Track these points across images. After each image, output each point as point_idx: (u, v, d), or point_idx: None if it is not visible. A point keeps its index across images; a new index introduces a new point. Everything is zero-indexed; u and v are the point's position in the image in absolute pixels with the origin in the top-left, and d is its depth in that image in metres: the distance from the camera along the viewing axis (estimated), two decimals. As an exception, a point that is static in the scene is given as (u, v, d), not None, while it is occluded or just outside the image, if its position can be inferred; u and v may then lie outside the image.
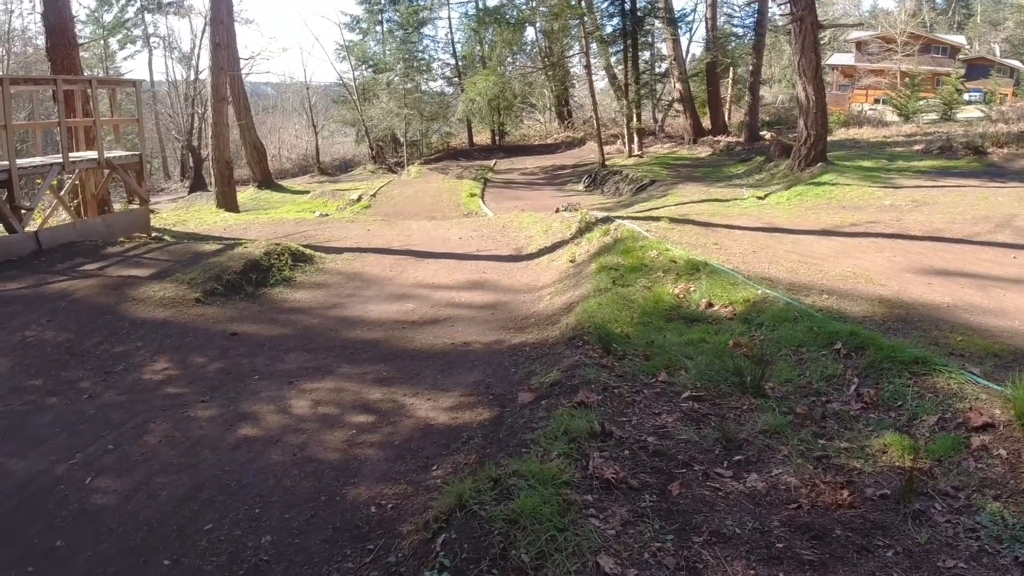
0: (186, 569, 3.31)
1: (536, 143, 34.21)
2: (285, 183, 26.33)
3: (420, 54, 34.40)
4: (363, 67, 36.08)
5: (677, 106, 29.29)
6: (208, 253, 9.43)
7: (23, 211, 11.07)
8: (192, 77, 35.50)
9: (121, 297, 7.67)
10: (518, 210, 15.45)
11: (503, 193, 20.92)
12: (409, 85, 31.99)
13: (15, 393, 5.43)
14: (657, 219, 10.51)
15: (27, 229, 10.67)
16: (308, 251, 9.90)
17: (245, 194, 21.49)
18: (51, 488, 4.11)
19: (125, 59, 40.50)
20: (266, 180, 25.16)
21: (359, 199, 19.62)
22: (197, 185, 28.31)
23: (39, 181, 12.92)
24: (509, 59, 33.63)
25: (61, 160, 12.16)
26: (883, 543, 2.95)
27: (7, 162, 11.09)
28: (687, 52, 31.51)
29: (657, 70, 29.64)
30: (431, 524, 3.17)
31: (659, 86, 29.47)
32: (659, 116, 30.28)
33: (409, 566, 3.06)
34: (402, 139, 31.16)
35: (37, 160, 12.90)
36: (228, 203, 17.96)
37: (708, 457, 3.68)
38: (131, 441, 4.56)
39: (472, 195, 19.34)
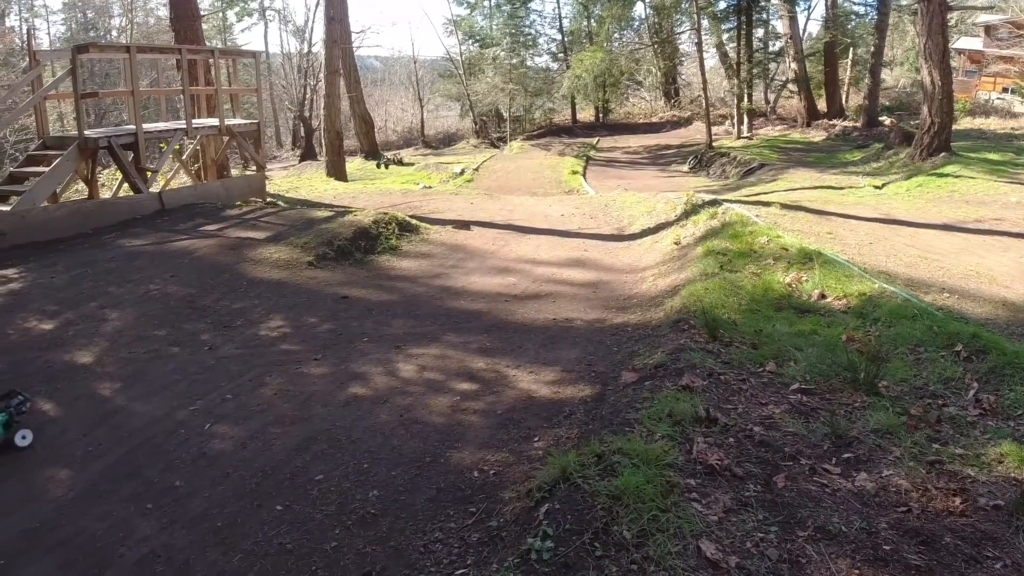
0: (297, 515, 3.48)
1: (640, 121, 33.64)
2: (390, 155, 26.91)
3: (527, 29, 34.31)
4: (469, 41, 36.29)
5: (791, 87, 28.15)
6: (320, 219, 9.79)
7: (148, 173, 11.76)
8: (305, 50, 36.57)
9: (239, 257, 8.06)
10: (620, 189, 15.29)
11: (605, 172, 20.72)
12: (514, 60, 31.99)
13: (140, 342, 5.81)
14: (767, 204, 10.19)
15: (151, 190, 11.33)
16: (414, 221, 10.12)
17: (352, 164, 22.08)
18: (172, 431, 4.40)
19: (242, 31, 42.22)
20: (373, 151, 25.77)
21: (462, 172, 19.84)
22: (307, 154, 29.26)
23: (163, 145, 13.71)
24: (617, 35, 33.09)
25: (185, 126, 12.83)
26: (993, 555, 2.82)
27: (134, 126, 11.80)
28: (804, 30, 30.16)
29: (771, 49, 28.53)
30: (534, 493, 3.23)
31: (772, 66, 28.37)
32: (771, 97, 29.18)
33: (511, 531, 3.12)
34: (505, 114, 31.26)
35: (162, 125, 13.66)
36: (337, 172, 18.52)
37: (816, 452, 3.58)
38: (248, 392, 4.81)
39: (574, 172, 19.24)
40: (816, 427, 3.80)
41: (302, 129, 32.41)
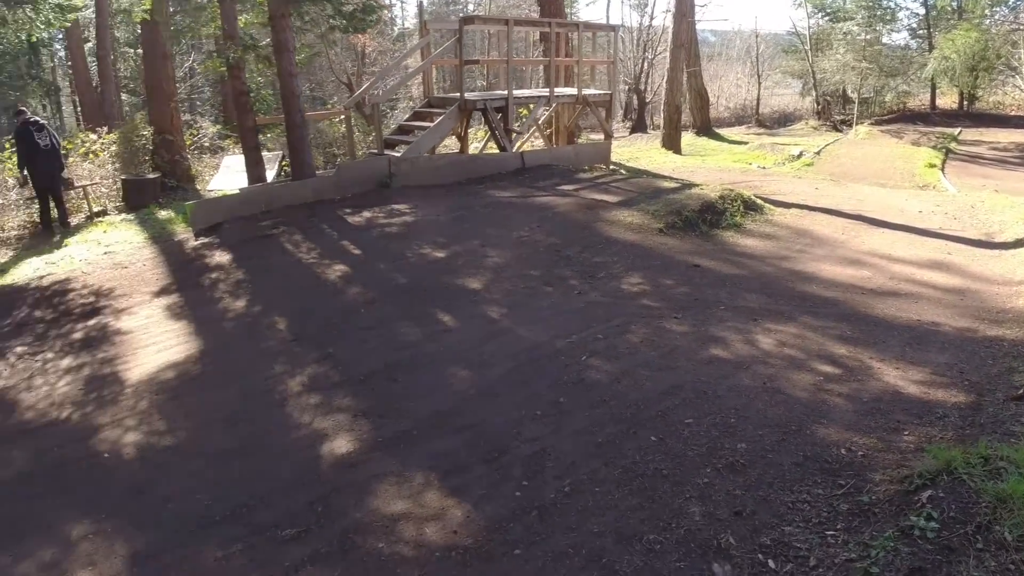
0: (670, 449, 3.89)
1: (1012, 114, 29.26)
2: (722, 131, 26.53)
3: (885, 1, 31.26)
4: (819, 15, 34.03)
5: None
6: (667, 190, 10.18)
7: (513, 134, 13.04)
8: (646, 23, 37.08)
9: (594, 216, 8.72)
10: (988, 190, 13.65)
11: (967, 168, 18.51)
12: (869, 36, 29.40)
13: (518, 278, 6.65)
14: None
15: (513, 150, 12.56)
16: (758, 201, 10.07)
17: (684, 139, 22.21)
18: (553, 356, 5.06)
19: (587, 5, 43.69)
20: (705, 127, 25.64)
21: (799, 156, 19.01)
22: (638, 127, 29.88)
23: (522, 110, 15.03)
24: (988, 12, 28.84)
25: (547, 93, 13.95)
26: None
27: (505, 91, 13.11)
28: None
29: None
30: (913, 479, 3.29)
31: None
32: None
33: (883, 509, 3.22)
34: (853, 95, 29.06)
35: (528, 92, 14.96)
36: (673, 145, 18.83)
37: None
38: (615, 336, 5.35)
39: (931, 166, 17.47)
40: None
41: (635, 101, 33.10)
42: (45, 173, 10.59)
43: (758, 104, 33.98)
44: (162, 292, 6.76)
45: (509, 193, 10.13)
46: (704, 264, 7.17)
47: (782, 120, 32.37)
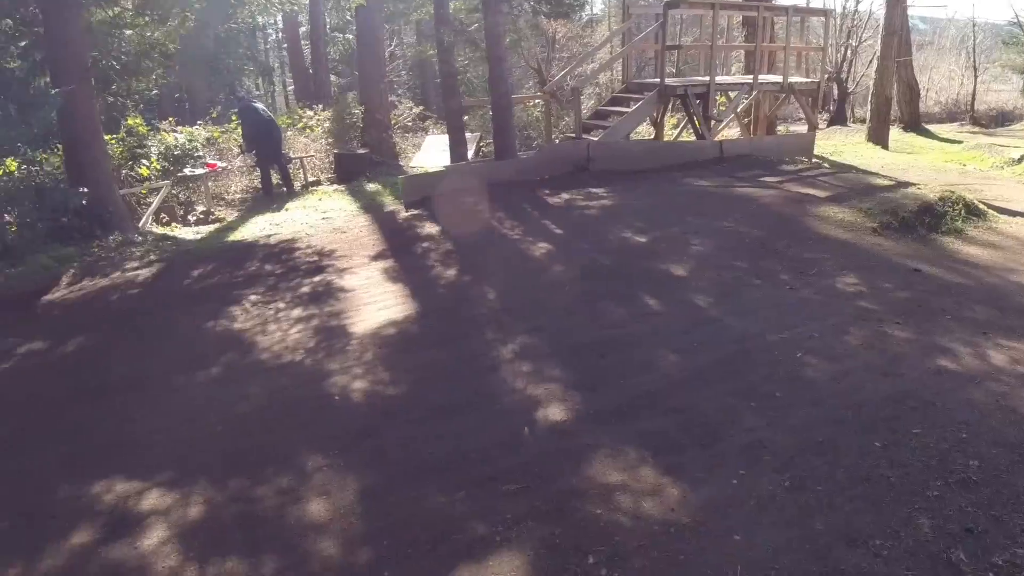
0: (896, 457, 3.67)
1: None
2: (931, 128, 24.41)
3: None
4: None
5: None
6: (879, 187, 9.54)
7: (712, 122, 12.71)
8: (851, 8, 34.69)
9: (801, 211, 8.34)
10: None
11: None
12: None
13: (724, 268, 6.49)
14: None
15: (712, 139, 12.24)
16: (981, 206, 9.20)
17: (891, 134, 20.66)
18: (765, 349, 4.90)
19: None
20: (913, 122, 23.69)
21: (1021, 159, 17.11)
22: (837, 118, 28.08)
23: (721, 97, 14.57)
24: None
25: (750, 80, 13.45)
26: None
27: (707, 77, 12.78)
28: None
29: None
30: None
31: None
32: None
33: None
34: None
35: (730, 78, 14.50)
36: (880, 140, 17.57)
37: None
38: (831, 335, 5.10)
39: None
40: None
41: (835, 91, 31.16)
42: (269, 145, 11.63)
43: (973, 100, 30.89)
44: (378, 256, 7.23)
45: (708, 182, 9.91)
46: (925, 269, 6.66)
47: (1000, 119, 29.22)
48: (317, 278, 6.75)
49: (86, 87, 9.19)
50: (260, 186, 12.44)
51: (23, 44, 9.61)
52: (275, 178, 12.07)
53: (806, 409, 4.19)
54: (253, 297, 6.39)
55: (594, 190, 9.43)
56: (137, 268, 7.56)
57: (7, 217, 8.79)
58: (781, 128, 18.24)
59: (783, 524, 3.25)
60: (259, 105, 11.92)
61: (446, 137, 15.46)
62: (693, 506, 3.37)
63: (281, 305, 6.14)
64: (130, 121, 11.85)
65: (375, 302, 5.99)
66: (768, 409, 4.19)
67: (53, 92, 8.27)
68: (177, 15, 11.49)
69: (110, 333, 5.97)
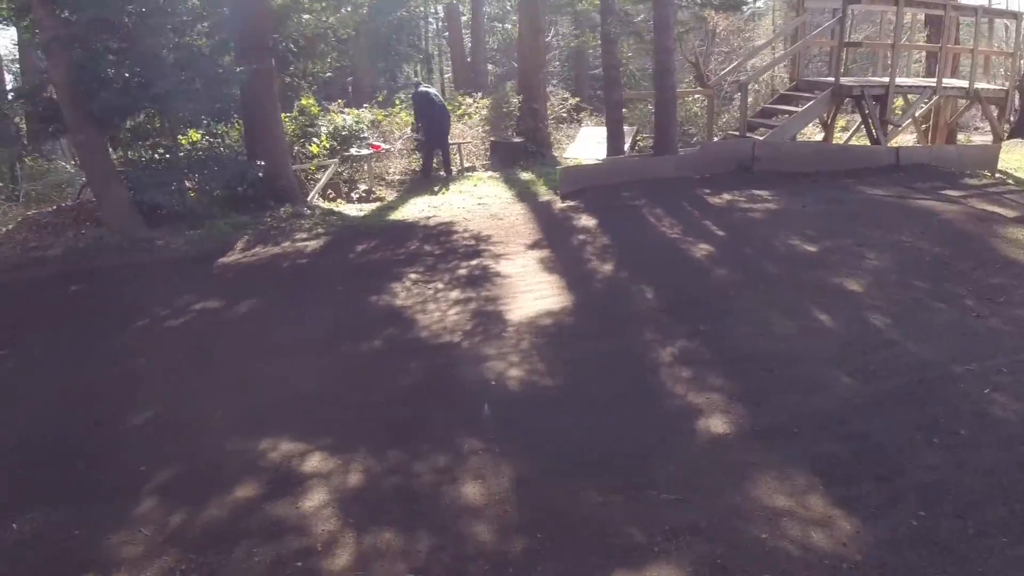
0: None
1: None
2: None
3: None
4: None
5: None
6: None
7: (889, 126, 11.85)
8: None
9: (988, 230, 7.62)
10: None
11: None
12: None
13: (903, 287, 6.01)
14: None
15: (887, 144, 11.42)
16: None
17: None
18: (948, 381, 4.48)
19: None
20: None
21: None
22: (1018, 130, 25.60)
23: (898, 101, 13.57)
24: None
25: (934, 84, 12.46)
26: None
27: (885, 78, 11.92)
28: None
29: None
30: None
31: None
32: None
33: None
34: None
35: (911, 80, 13.50)
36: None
37: None
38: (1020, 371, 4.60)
39: None
40: None
41: (1017, 100, 28.37)
42: (437, 130, 11.97)
43: None
44: (534, 245, 7.23)
45: (883, 191, 9.26)
46: None
47: None
48: (474, 262, 6.83)
49: (268, 67, 9.76)
50: (419, 169, 12.81)
51: (210, 23, 10.31)
52: (434, 162, 12.43)
53: (993, 451, 3.79)
54: (413, 275, 6.55)
55: (758, 192, 9.03)
56: (306, 239, 7.95)
57: (188, 184, 9.49)
58: (961, 137, 16.78)
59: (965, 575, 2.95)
60: (433, 91, 12.37)
61: (601, 129, 15.32)
62: (867, 544, 3.11)
63: (440, 286, 6.26)
64: (303, 101, 12.50)
65: (531, 291, 5.99)
66: (951, 447, 3.82)
67: (238, 70, 8.82)
68: (351, 1, 12.03)
69: (279, 298, 6.31)
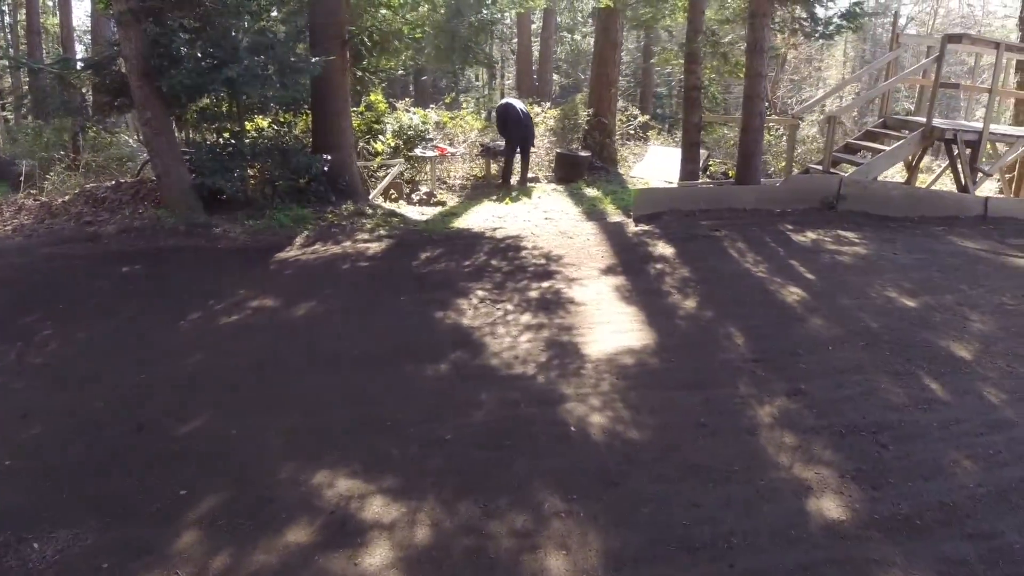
0: None
1: None
2: None
3: None
4: None
5: None
6: None
7: (979, 174, 11.17)
8: None
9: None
10: None
11: None
12: None
13: (1015, 358, 5.39)
14: None
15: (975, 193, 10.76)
16: None
17: None
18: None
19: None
20: None
21: None
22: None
23: (989, 149, 12.83)
24: None
25: (1033, 132, 11.75)
26: None
27: (979, 124, 11.23)
28: None
29: None
30: None
31: None
32: None
33: None
34: None
35: (1005, 128, 12.78)
36: None
37: None
38: None
39: None
40: None
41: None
42: (523, 136, 11.82)
43: None
44: (609, 271, 6.78)
45: (975, 244, 8.61)
46: None
47: None
48: (545, 284, 6.40)
49: (342, 58, 9.47)
50: (481, 174, 12.51)
51: (287, 10, 10.07)
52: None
53: None
54: (480, 292, 6.15)
55: (844, 233, 8.47)
56: (368, 240, 7.61)
57: (251, 172, 9.23)
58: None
59: None
60: (517, 103, 12.22)
61: (670, 149, 14.85)
62: None
63: (509, 307, 5.84)
64: (372, 97, 12.23)
65: (608, 322, 5.53)
66: None
67: (314, 60, 8.53)
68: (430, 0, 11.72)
69: (339, 303, 5.95)
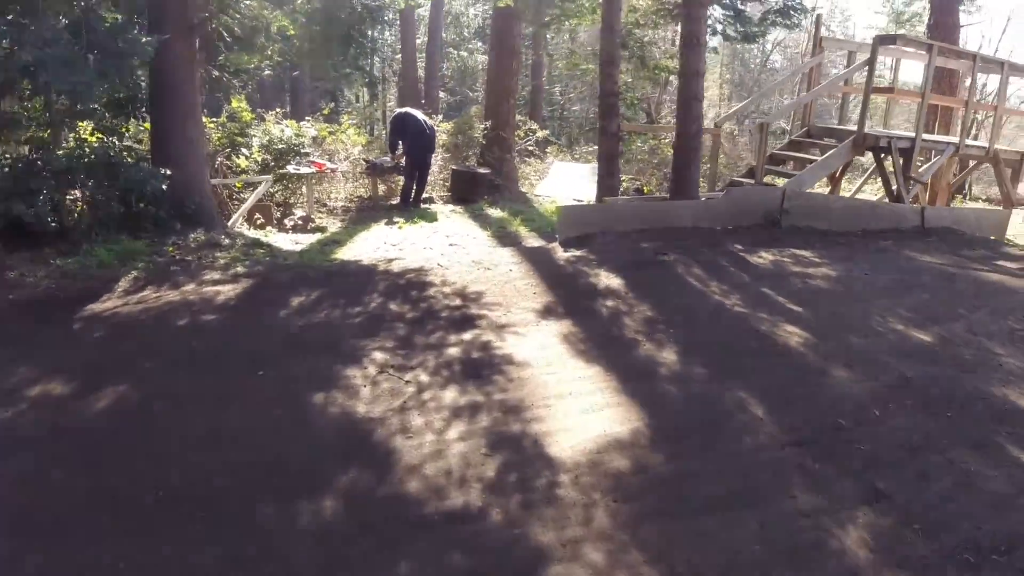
0: None
1: None
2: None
3: None
4: None
5: None
6: None
7: (912, 183, 10.46)
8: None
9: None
10: None
11: None
12: None
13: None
14: None
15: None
16: None
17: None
18: None
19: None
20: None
21: None
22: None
23: (919, 157, 12.28)
24: None
25: (956, 141, 11.22)
26: None
27: (913, 133, 10.57)
28: None
29: None
30: None
31: None
32: None
33: None
34: None
35: (936, 136, 12.30)
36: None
37: None
38: None
39: None
40: None
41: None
42: (422, 154, 10.62)
43: None
44: (548, 312, 5.12)
45: (935, 259, 7.64)
46: None
47: None
48: (468, 335, 4.67)
49: (188, 48, 7.50)
50: (368, 195, 10.79)
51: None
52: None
53: None
54: (379, 356, 4.34)
55: (799, 252, 7.25)
56: (218, 282, 5.68)
57: (70, 194, 7.13)
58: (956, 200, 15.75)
59: None
60: (418, 113, 10.65)
61: (575, 165, 13.57)
62: None
63: (424, 378, 4.05)
64: (234, 103, 10.20)
65: (570, 393, 3.85)
66: None
67: (145, 39, 6.56)
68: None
69: (167, 386, 3.98)
